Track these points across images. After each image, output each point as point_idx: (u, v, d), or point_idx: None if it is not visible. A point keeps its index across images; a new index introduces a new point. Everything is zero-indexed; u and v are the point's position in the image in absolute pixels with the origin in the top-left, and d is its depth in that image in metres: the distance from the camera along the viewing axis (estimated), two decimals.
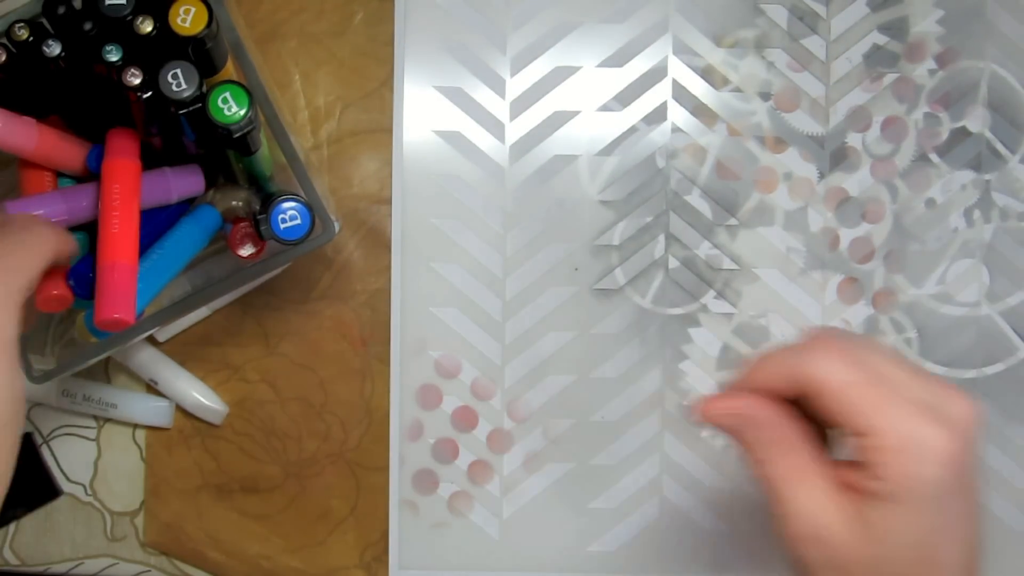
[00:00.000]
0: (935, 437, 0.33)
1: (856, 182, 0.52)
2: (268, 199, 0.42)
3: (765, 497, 0.35)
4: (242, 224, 0.44)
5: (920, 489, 0.33)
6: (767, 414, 0.35)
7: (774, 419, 0.35)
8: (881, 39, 0.52)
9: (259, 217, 0.40)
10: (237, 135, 0.39)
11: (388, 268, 0.52)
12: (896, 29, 0.52)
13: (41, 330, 0.46)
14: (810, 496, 0.34)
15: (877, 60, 0.52)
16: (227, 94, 0.39)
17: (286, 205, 0.40)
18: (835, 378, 0.33)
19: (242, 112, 0.39)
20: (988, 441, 0.52)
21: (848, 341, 0.35)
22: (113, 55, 0.38)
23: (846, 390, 0.33)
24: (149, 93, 0.38)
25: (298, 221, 0.40)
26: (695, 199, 0.52)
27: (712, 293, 0.52)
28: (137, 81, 0.38)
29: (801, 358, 0.34)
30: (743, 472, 0.52)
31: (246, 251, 0.44)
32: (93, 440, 0.52)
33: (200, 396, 0.51)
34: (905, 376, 0.34)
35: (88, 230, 0.43)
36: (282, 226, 0.40)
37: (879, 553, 0.33)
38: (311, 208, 0.40)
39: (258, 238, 0.44)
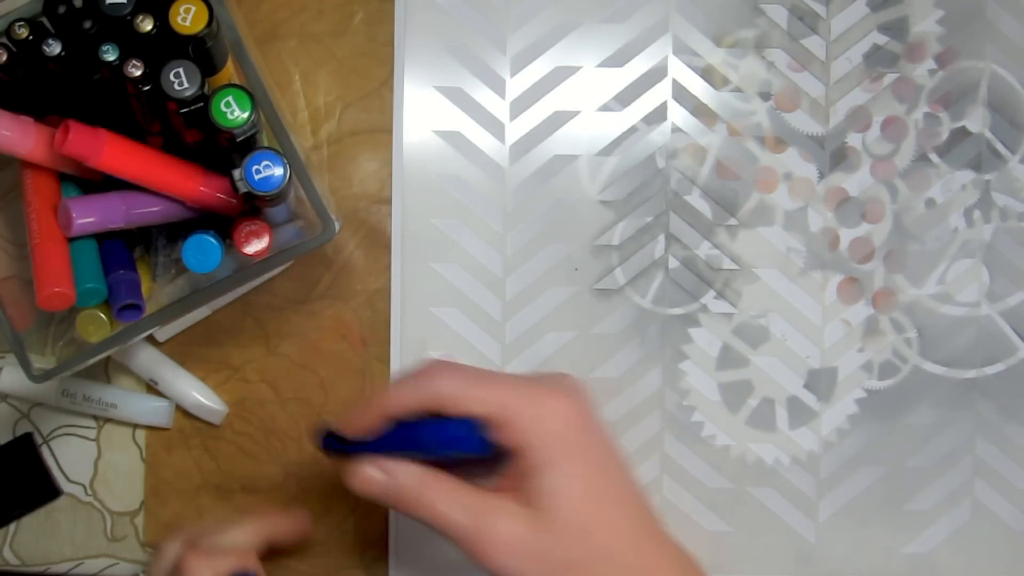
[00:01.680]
0: (554, 400, 0.39)
1: (856, 182, 0.52)
2: (242, 155, 0.41)
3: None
4: (246, 222, 0.43)
5: (557, 443, 0.38)
6: (408, 469, 0.40)
7: (416, 471, 0.40)
8: (881, 39, 0.52)
9: (233, 172, 0.40)
10: (240, 138, 0.39)
11: (388, 268, 0.52)
12: (896, 29, 0.52)
13: (41, 330, 0.46)
14: (485, 518, 0.39)
15: (877, 60, 0.52)
16: (230, 98, 0.39)
17: (260, 156, 0.40)
18: (455, 385, 0.39)
19: (245, 116, 0.39)
20: (988, 441, 0.52)
21: (461, 366, 0.41)
22: (110, 55, 0.38)
23: (468, 391, 0.39)
24: (149, 87, 0.38)
25: (272, 171, 0.40)
26: (695, 199, 0.52)
27: (712, 293, 0.52)
28: (138, 73, 0.38)
29: (424, 379, 0.40)
30: (743, 472, 0.52)
31: (252, 248, 0.43)
32: (93, 440, 0.52)
33: (200, 396, 0.51)
34: (510, 375, 0.42)
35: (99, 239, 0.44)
36: (256, 177, 0.39)
37: (553, 516, 0.38)
38: (285, 159, 0.40)
39: (262, 234, 0.44)
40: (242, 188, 0.40)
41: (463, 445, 0.40)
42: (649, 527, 0.40)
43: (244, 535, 0.47)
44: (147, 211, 0.43)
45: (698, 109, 0.52)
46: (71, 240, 0.43)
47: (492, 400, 0.39)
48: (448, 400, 0.39)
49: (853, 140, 0.52)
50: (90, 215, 0.41)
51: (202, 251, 0.42)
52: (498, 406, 0.39)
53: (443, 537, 0.39)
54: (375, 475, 0.41)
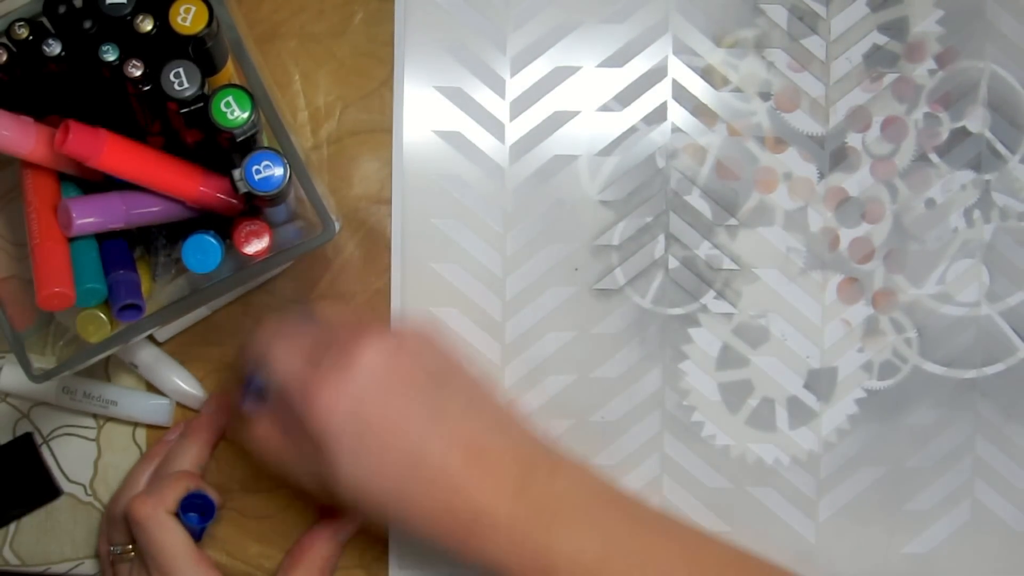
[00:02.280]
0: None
1: (856, 182, 0.52)
2: (242, 155, 0.41)
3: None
4: (246, 222, 0.43)
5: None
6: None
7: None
8: (881, 39, 0.52)
9: (233, 172, 0.40)
10: (240, 139, 0.39)
11: (388, 268, 0.52)
12: (896, 29, 0.52)
13: (41, 330, 0.46)
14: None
15: (877, 60, 0.52)
16: (230, 98, 0.39)
17: (260, 156, 0.40)
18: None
19: (245, 116, 0.39)
20: (988, 441, 0.52)
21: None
22: (110, 55, 0.38)
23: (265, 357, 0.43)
24: (149, 87, 0.38)
25: (272, 171, 0.40)
26: (695, 199, 0.52)
27: (712, 293, 0.52)
28: (138, 73, 0.38)
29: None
30: (743, 472, 0.52)
31: (252, 248, 0.43)
32: (93, 440, 0.52)
33: (180, 381, 0.51)
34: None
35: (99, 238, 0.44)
36: (256, 177, 0.39)
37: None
38: (285, 159, 0.40)
39: (262, 233, 0.44)
40: (242, 188, 0.40)
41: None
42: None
43: (183, 460, 0.49)
44: (147, 211, 0.43)
45: (698, 109, 0.52)
46: (71, 240, 0.43)
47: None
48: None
49: (853, 140, 0.52)
50: (90, 215, 0.41)
51: (202, 251, 0.42)
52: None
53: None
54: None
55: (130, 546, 0.47)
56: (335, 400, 0.40)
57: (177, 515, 0.46)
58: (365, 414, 0.40)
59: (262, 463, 0.44)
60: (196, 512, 0.47)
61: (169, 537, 0.45)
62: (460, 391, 0.43)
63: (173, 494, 0.46)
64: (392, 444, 0.40)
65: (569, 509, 0.41)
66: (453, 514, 0.40)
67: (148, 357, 0.51)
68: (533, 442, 0.43)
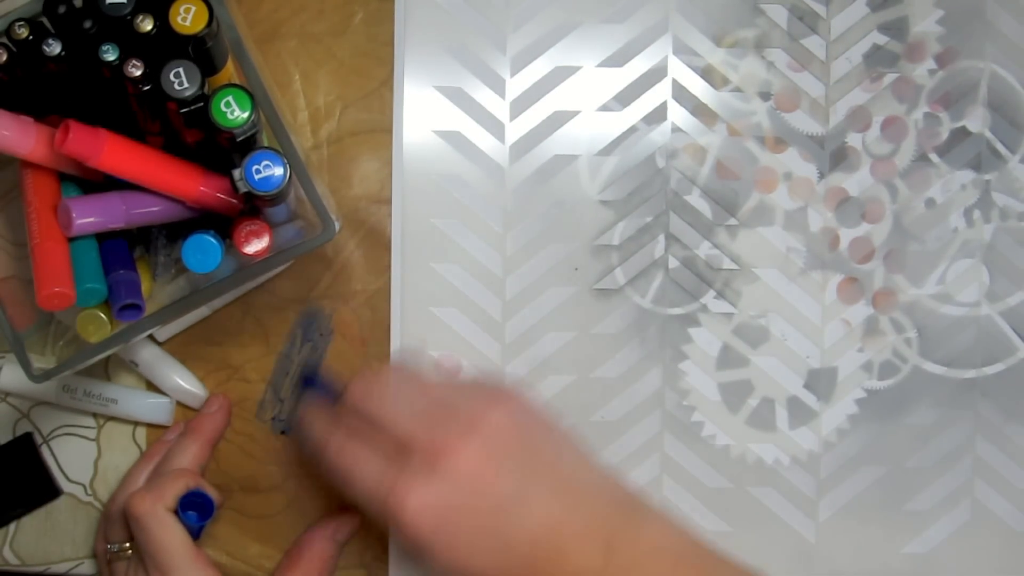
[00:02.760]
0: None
1: (856, 182, 0.52)
2: (242, 155, 0.41)
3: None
4: (246, 222, 0.43)
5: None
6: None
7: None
8: (881, 39, 0.52)
9: (233, 172, 0.40)
10: (240, 139, 0.39)
11: (388, 268, 0.52)
12: (896, 29, 0.52)
13: (41, 329, 0.46)
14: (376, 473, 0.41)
15: (877, 60, 0.52)
16: (230, 98, 0.39)
17: (260, 156, 0.40)
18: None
19: (245, 115, 0.39)
20: (988, 441, 0.52)
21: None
22: (110, 55, 0.38)
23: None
24: (149, 86, 0.38)
25: (272, 171, 0.40)
26: (695, 199, 0.52)
27: (712, 293, 0.52)
28: (138, 73, 0.38)
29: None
30: (743, 472, 0.52)
31: (252, 248, 0.43)
32: (93, 440, 0.52)
33: (179, 379, 0.51)
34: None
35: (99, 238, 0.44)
36: (256, 177, 0.39)
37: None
38: (285, 159, 0.40)
39: (261, 233, 0.44)
40: (242, 188, 0.40)
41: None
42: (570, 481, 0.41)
43: (183, 458, 0.49)
44: (147, 211, 0.43)
45: (698, 109, 0.52)
46: (71, 240, 0.43)
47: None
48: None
49: (853, 140, 0.52)
50: (90, 215, 0.41)
51: (202, 251, 0.42)
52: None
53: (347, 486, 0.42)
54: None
55: (127, 544, 0.47)
56: (423, 506, 0.39)
57: (176, 513, 0.46)
58: (456, 515, 0.39)
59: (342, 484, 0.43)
60: (195, 510, 0.47)
61: (167, 534, 0.45)
62: (548, 455, 0.42)
63: (172, 491, 0.46)
64: (486, 527, 0.39)
65: (654, 567, 0.40)
66: None
67: (148, 355, 0.51)
68: (618, 497, 0.42)
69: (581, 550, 0.39)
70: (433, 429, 0.41)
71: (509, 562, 0.39)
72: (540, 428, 0.43)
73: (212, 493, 0.48)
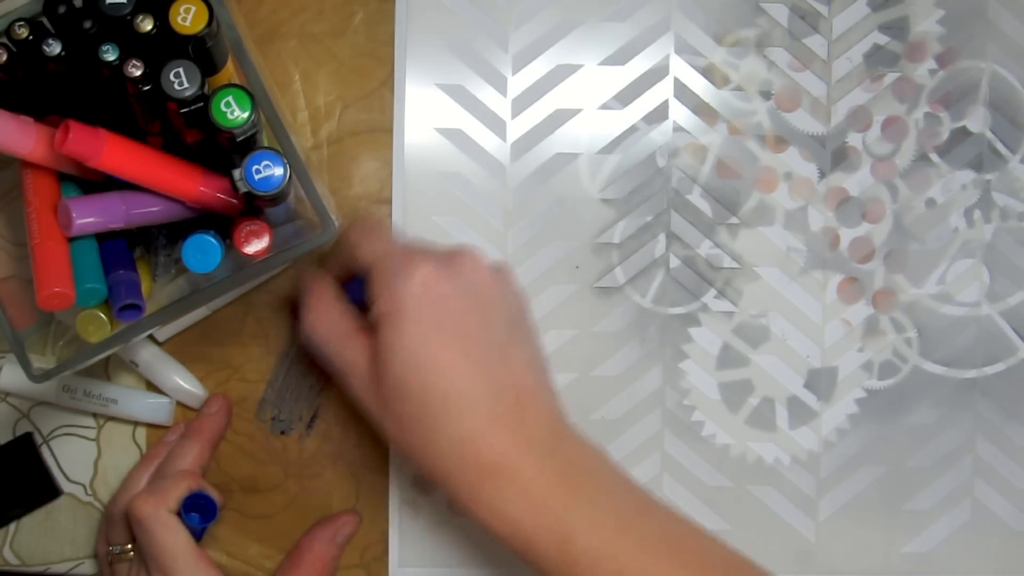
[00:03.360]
0: (418, 263, 0.41)
1: (856, 182, 0.52)
2: (242, 155, 0.41)
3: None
4: (246, 222, 0.43)
5: (403, 303, 0.40)
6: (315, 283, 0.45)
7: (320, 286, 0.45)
8: (882, 39, 0.52)
9: (234, 172, 0.40)
10: (240, 139, 0.39)
11: None
12: (897, 29, 0.52)
13: (41, 330, 0.46)
14: (343, 345, 0.42)
15: (878, 60, 0.52)
16: (230, 98, 0.38)
17: (260, 156, 0.40)
18: (355, 237, 0.44)
19: (245, 116, 0.39)
20: (988, 441, 0.52)
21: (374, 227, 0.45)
22: (110, 55, 0.38)
23: (360, 243, 0.43)
24: (149, 86, 0.38)
25: (272, 171, 0.40)
26: (696, 198, 0.52)
27: (713, 292, 0.52)
28: (138, 73, 0.38)
29: (344, 237, 0.45)
30: (743, 471, 0.52)
31: (252, 248, 0.43)
32: (93, 440, 0.52)
33: (180, 379, 0.51)
34: (415, 242, 0.45)
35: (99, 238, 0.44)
36: (256, 177, 0.39)
37: (390, 369, 0.40)
38: (285, 159, 0.40)
39: (262, 234, 0.44)
40: (242, 188, 0.39)
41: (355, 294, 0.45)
42: (492, 405, 0.41)
43: (184, 460, 0.49)
44: (147, 211, 0.43)
45: (699, 108, 0.52)
46: (71, 240, 0.42)
47: (368, 254, 0.43)
48: (352, 251, 0.44)
49: (854, 140, 0.52)
50: (90, 215, 0.41)
51: (202, 251, 0.42)
52: (369, 262, 0.42)
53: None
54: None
55: (129, 546, 0.47)
56: (432, 282, 0.40)
57: (179, 515, 0.46)
58: (449, 310, 0.41)
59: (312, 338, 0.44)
60: (197, 512, 0.47)
61: (170, 536, 0.45)
62: (528, 339, 0.43)
63: (175, 493, 0.46)
64: (458, 345, 0.40)
65: (592, 482, 0.41)
66: (476, 456, 0.39)
67: (148, 355, 0.51)
68: (564, 412, 0.43)
69: (523, 438, 0.41)
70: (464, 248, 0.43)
71: (446, 414, 0.40)
72: (527, 307, 0.45)
73: (214, 495, 0.48)
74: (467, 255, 0.42)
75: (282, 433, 0.52)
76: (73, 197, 0.42)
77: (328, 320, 0.44)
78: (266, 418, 0.52)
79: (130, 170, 0.41)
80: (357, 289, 0.45)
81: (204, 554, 0.46)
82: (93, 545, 0.52)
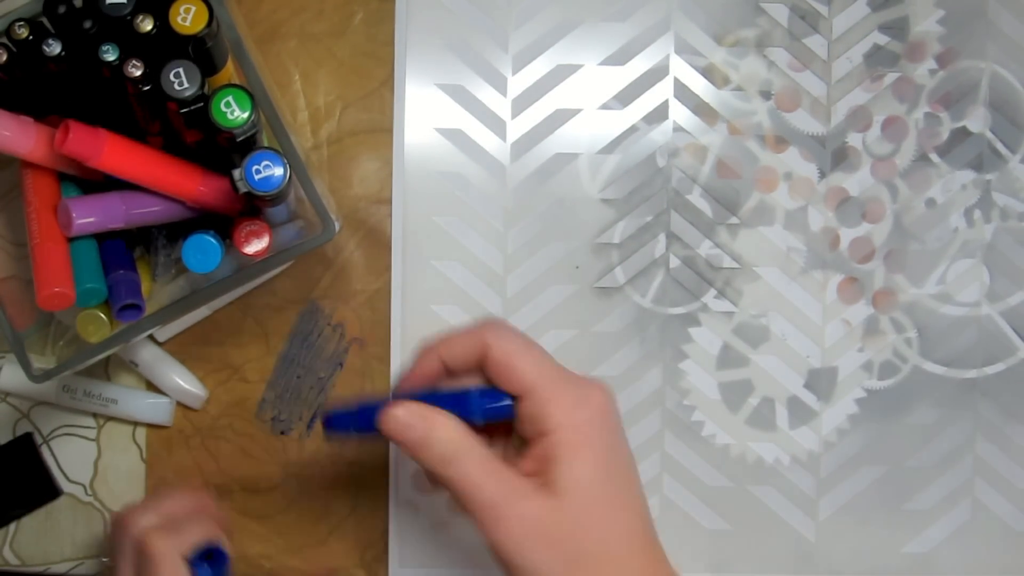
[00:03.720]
0: (593, 391, 0.39)
1: (856, 182, 0.52)
2: (242, 155, 0.41)
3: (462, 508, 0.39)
4: (246, 222, 0.43)
5: (584, 435, 0.38)
6: (449, 423, 0.39)
7: (458, 427, 0.39)
8: (882, 39, 0.52)
9: (234, 173, 0.40)
10: (240, 139, 0.39)
11: (388, 268, 0.51)
12: (897, 29, 0.52)
13: (41, 330, 0.46)
14: (493, 477, 0.38)
15: (878, 60, 0.52)
16: (230, 98, 0.38)
17: (260, 156, 0.40)
18: (505, 346, 0.39)
19: (245, 116, 0.39)
20: (988, 441, 0.52)
21: (513, 329, 0.41)
22: (110, 55, 0.38)
23: (514, 357, 0.39)
24: (149, 86, 0.38)
25: (272, 171, 0.40)
26: (696, 198, 0.52)
27: (713, 292, 0.52)
28: (138, 73, 0.38)
29: (479, 332, 0.40)
30: (743, 471, 0.52)
31: (252, 248, 0.43)
32: (93, 440, 0.52)
33: (180, 379, 0.51)
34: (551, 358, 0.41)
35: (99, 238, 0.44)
36: (256, 177, 0.39)
37: (569, 505, 0.37)
38: (285, 159, 0.40)
39: (262, 234, 0.44)
40: (242, 188, 0.39)
41: (495, 413, 0.40)
42: (651, 538, 0.40)
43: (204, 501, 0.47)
44: (147, 211, 0.43)
45: (699, 108, 0.52)
46: (71, 240, 0.42)
47: (533, 375, 0.39)
48: (494, 359, 0.39)
49: (854, 140, 0.52)
50: (90, 215, 0.41)
51: (202, 251, 0.42)
52: (537, 384, 0.39)
53: (457, 503, 0.39)
54: (413, 421, 0.39)
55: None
56: (607, 411, 0.39)
57: (190, 562, 0.44)
58: (619, 442, 0.39)
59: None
60: (208, 563, 0.44)
61: None
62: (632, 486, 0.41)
63: (191, 539, 0.44)
64: (630, 480, 0.39)
65: None
66: None
67: (148, 355, 0.51)
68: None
69: None
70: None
71: None
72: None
73: (228, 548, 0.45)
74: (604, 384, 0.41)
75: (282, 433, 0.52)
76: (73, 197, 0.42)
77: (485, 469, 0.39)
78: (266, 418, 0.52)
79: (130, 170, 0.41)
80: (364, 417, 0.40)
81: None
82: (93, 545, 0.52)
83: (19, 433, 0.52)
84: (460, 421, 0.39)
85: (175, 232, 0.46)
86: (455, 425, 0.39)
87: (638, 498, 0.40)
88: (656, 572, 0.39)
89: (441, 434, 0.39)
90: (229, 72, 0.43)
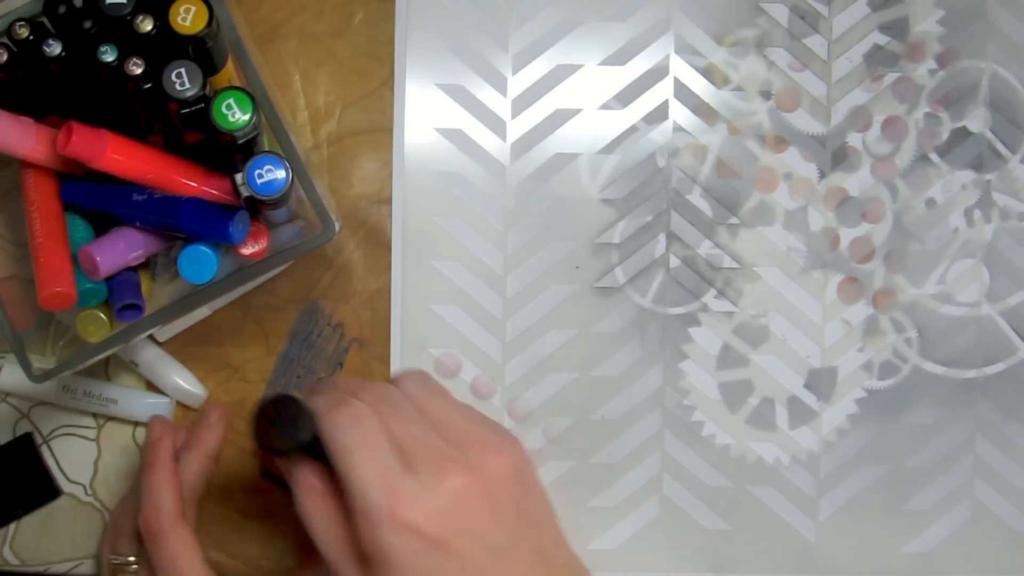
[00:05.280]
0: (389, 499, 0.37)
1: (856, 182, 0.52)
2: (244, 156, 0.41)
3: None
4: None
5: (385, 554, 0.37)
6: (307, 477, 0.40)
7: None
8: (882, 39, 0.52)
9: (235, 176, 0.40)
10: (241, 141, 0.39)
11: (388, 268, 0.51)
12: (897, 29, 0.52)
13: (41, 330, 0.46)
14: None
15: (878, 60, 0.52)
16: (231, 100, 0.39)
17: (262, 160, 0.40)
18: (335, 434, 0.39)
19: (246, 118, 0.39)
20: (988, 441, 0.52)
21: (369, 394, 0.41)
22: (108, 55, 0.38)
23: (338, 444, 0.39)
24: (149, 84, 0.38)
25: (275, 175, 0.40)
26: (696, 198, 0.52)
27: (713, 292, 0.52)
28: (139, 71, 0.38)
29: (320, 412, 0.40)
30: (743, 471, 0.52)
31: (249, 250, 0.43)
32: (93, 440, 0.52)
33: (179, 379, 0.51)
34: (415, 431, 0.40)
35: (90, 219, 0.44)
36: (259, 181, 0.39)
37: None
38: (287, 163, 0.40)
39: (261, 235, 0.44)
40: (244, 192, 0.40)
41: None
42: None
43: (187, 475, 0.48)
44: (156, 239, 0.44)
45: (699, 108, 0.52)
46: (72, 241, 0.43)
47: (343, 473, 0.39)
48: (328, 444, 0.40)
49: (854, 140, 0.52)
50: (114, 261, 0.42)
51: (198, 262, 0.42)
52: (345, 482, 0.39)
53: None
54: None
55: (132, 559, 0.47)
56: (421, 524, 0.38)
57: None
58: (445, 542, 0.38)
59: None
60: None
61: (185, 554, 0.45)
62: (536, 519, 0.42)
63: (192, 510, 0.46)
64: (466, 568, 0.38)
65: None
66: None
67: (148, 356, 0.51)
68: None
69: None
70: (456, 445, 0.40)
71: None
72: (536, 490, 0.43)
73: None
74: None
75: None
76: (92, 243, 0.42)
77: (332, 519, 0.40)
78: None
79: (132, 171, 0.41)
80: None
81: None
82: (93, 545, 0.52)
83: (19, 433, 0.52)
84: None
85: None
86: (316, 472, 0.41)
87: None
88: None
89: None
90: (229, 72, 0.43)
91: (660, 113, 0.52)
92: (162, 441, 0.48)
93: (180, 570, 0.44)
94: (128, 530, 0.47)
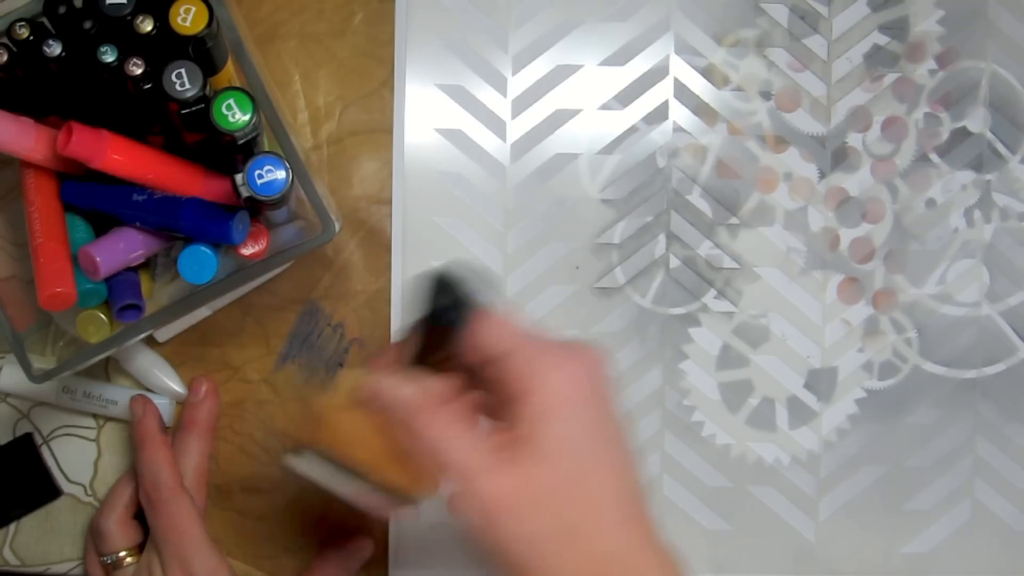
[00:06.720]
0: (572, 356, 0.37)
1: (856, 182, 0.52)
2: (244, 157, 0.41)
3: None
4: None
5: (565, 399, 0.36)
6: (434, 385, 0.38)
7: (442, 387, 0.38)
8: (882, 39, 0.52)
9: (236, 177, 0.40)
10: (241, 141, 0.39)
11: (388, 268, 0.51)
12: (897, 29, 0.52)
13: (41, 330, 0.46)
14: (467, 454, 0.36)
15: (878, 60, 0.52)
16: (231, 100, 0.38)
17: (262, 160, 0.40)
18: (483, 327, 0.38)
19: (246, 118, 0.39)
20: (988, 441, 0.52)
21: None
22: (108, 56, 0.38)
23: (482, 328, 0.38)
24: (149, 85, 0.38)
25: (275, 175, 0.40)
26: (696, 198, 0.52)
27: (713, 292, 0.52)
28: (139, 71, 0.38)
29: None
30: (743, 471, 0.52)
31: (249, 250, 0.43)
32: (93, 440, 0.52)
33: (160, 374, 0.51)
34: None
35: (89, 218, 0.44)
36: (259, 182, 0.39)
37: (551, 471, 0.35)
38: (287, 163, 0.40)
39: (261, 236, 0.44)
40: (244, 193, 0.40)
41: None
42: (640, 509, 0.38)
43: (190, 455, 0.49)
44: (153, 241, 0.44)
45: (699, 108, 0.52)
46: (72, 241, 0.43)
47: (516, 334, 0.37)
48: (473, 341, 0.38)
49: (854, 140, 0.52)
50: (113, 261, 0.42)
51: (198, 263, 0.42)
52: (520, 342, 0.37)
53: (433, 463, 0.37)
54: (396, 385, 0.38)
55: (123, 552, 0.47)
56: (589, 377, 0.37)
57: None
58: (603, 409, 0.37)
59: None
60: None
61: (187, 517, 0.46)
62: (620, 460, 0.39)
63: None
64: (614, 448, 0.37)
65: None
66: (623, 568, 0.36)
67: (144, 362, 0.51)
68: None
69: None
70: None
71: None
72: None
73: None
74: (592, 349, 0.38)
75: (306, 380, 0.52)
76: (92, 243, 0.42)
77: (442, 412, 0.37)
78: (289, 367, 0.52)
79: (132, 171, 0.41)
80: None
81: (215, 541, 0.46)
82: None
83: (19, 433, 0.52)
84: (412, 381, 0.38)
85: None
86: (439, 384, 0.38)
87: (628, 464, 0.37)
88: (645, 544, 0.37)
89: (415, 395, 0.38)
90: (229, 73, 0.43)
91: (660, 113, 0.52)
92: (146, 417, 0.49)
93: (183, 532, 0.45)
94: (112, 526, 0.48)
